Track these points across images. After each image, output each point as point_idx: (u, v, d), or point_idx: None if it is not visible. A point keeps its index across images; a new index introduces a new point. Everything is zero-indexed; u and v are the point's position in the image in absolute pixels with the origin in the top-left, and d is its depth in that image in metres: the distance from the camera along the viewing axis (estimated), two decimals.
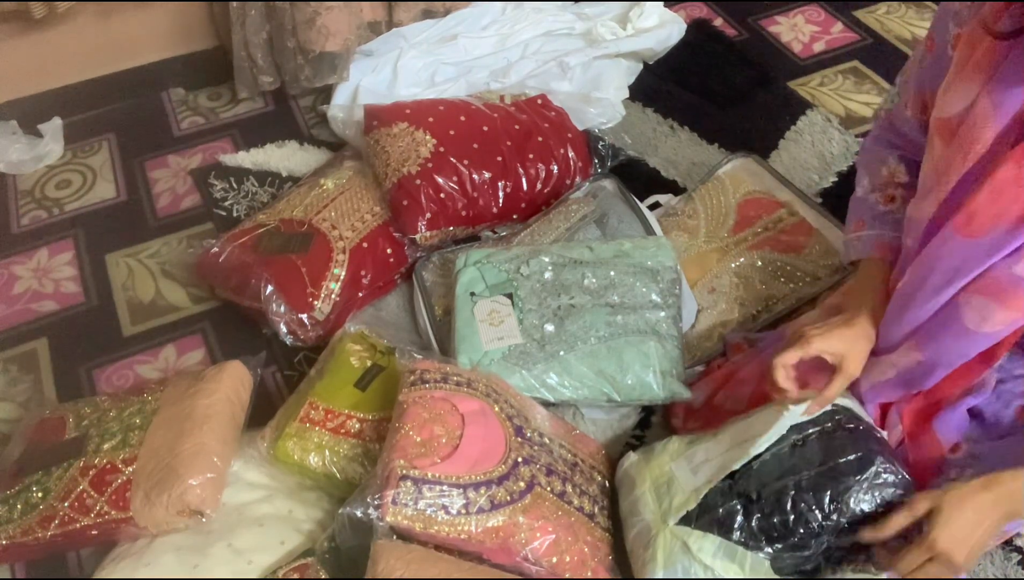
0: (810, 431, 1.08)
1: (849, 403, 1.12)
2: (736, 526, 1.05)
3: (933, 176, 1.01)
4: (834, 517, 1.01)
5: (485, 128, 1.64)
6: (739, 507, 1.05)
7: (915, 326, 1.04)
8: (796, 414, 1.06)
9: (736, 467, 1.07)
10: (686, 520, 1.07)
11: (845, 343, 1.07)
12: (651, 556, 1.07)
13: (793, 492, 1.02)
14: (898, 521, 0.97)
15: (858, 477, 1.01)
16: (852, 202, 1.25)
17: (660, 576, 1.05)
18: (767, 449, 1.07)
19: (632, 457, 1.22)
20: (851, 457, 1.03)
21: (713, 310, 1.45)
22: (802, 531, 1.02)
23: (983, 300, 0.96)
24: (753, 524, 1.04)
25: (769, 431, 1.06)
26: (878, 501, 1.00)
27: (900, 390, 1.10)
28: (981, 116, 0.94)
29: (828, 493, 1.01)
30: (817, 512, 1.01)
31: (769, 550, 1.03)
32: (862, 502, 1.00)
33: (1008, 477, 0.95)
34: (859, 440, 1.05)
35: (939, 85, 1.03)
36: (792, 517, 1.02)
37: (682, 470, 1.13)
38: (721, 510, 1.06)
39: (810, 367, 1.10)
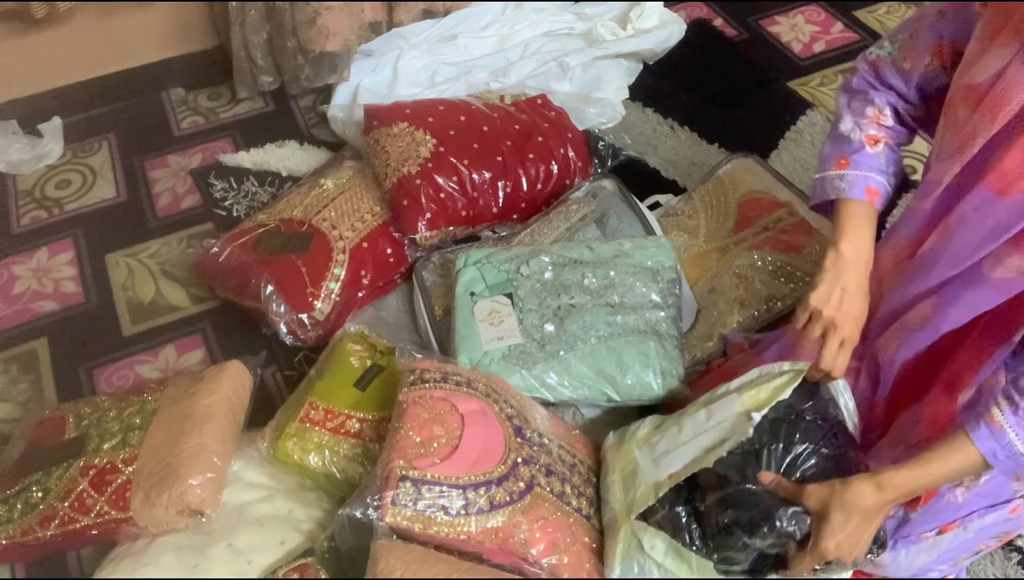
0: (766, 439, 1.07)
1: (835, 391, 1.12)
2: (684, 529, 1.07)
3: (955, 140, 1.00)
4: (762, 541, 1.02)
5: (485, 128, 1.64)
6: (687, 513, 1.08)
7: (939, 283, 1.03)
8: (756, 420, 1.06)
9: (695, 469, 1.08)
10: (649, 511, 1.09)
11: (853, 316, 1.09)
12: (612, 548, 1.10)
13: (728, 512, 1.04)
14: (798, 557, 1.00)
15: (786, 509, 1.01)
16: (830, 139, 1.20)
17: (617, 571, 1.09)
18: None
19: (610, 438, 1.23)
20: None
21: (713, 310, 1.45)
22: (733, 549, 1.04)
23: (1004, 247, 0.96)
24: (695, 534, 1.07)
25: (732, 438, 1.06)
26: (805, 527, 1.01)
27: (910, 350, 1.09)
28: (1013, 80, 0.93)
29: (760, 521, 1.02)
30: (745, 536, 1.02)
31: (714, 556, 1.06)
32: (789, 527, 1.01)
33: (901, 478, 0.97)
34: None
35: (960, 38, 1.03)
36: (727, 537, 1.04)
37: (645, 460, 1.14)
38: (677, 509, 1.08)
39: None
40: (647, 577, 1.07)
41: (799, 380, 1.08)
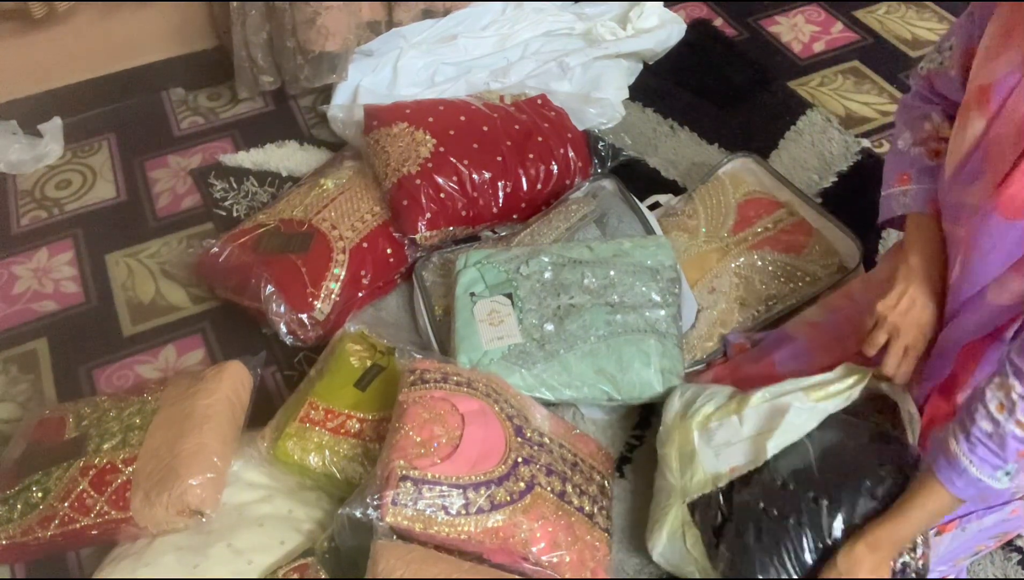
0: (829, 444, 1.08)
1: (899, 399, 1.12)
2: (721, 538, 1.08)
3: (980, 156, 0.98)
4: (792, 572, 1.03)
5: (485, 128, 1.64)
6: (728, 524, 1.08)
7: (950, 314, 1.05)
8: (771, 452, 1.07)
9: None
10: (700, 498, 1.11)
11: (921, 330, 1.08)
12: (660, 525, 1.15)
13: (754, 535, 1.05)
14: None
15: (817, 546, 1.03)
16: (891, 156, 1.20)
17: (660, 546, 1.15)
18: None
19: (675, 404, 1.24)
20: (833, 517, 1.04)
21: (713, 310, 1.45)
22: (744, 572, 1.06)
23: (1008, 273, 0.96)
24: (731, 551, 1.07)
25: (785, 439, 1.08)
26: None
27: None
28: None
29: (789, 552, 1.03)
30: (777, 568, 1.03)
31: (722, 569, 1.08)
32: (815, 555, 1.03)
33: (887, 533, 0.98)
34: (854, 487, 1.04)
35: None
36: (743, 555, 1.05)
37: (704, 448, 1.14)
38: (718, 515, 1.09)
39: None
40: (681, 564, 1.12)
41: (865, 383, 1.09)
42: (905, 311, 1.08)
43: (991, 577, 1.20)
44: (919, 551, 1.01)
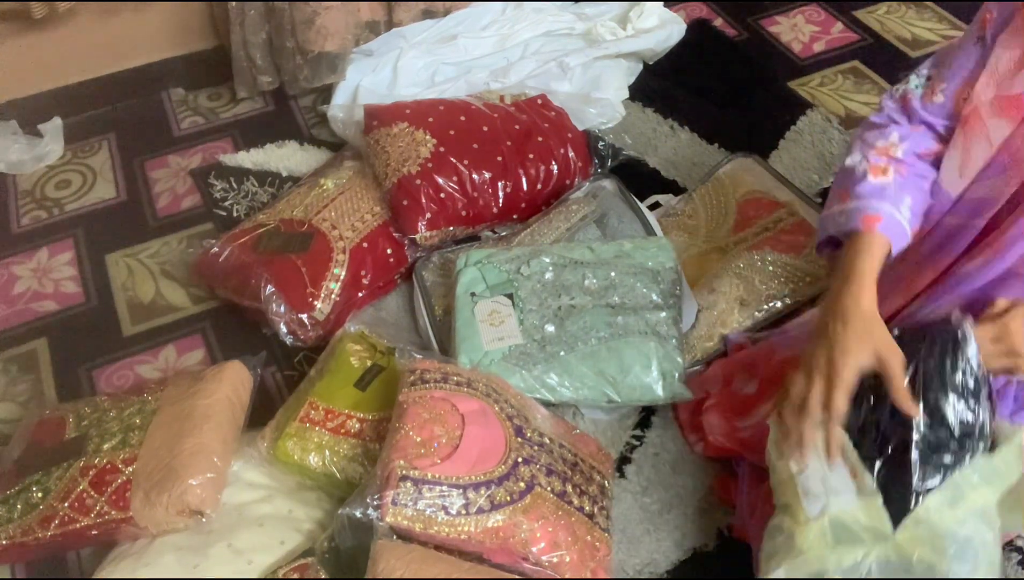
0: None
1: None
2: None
3: (1006, 154, 0.99)
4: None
5: (485, 128, 1.64)
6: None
7: (969, 296, 1.03)
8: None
9: None
10: None
11: (880, 350, 0.96)
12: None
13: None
14: None
15: None
16: (837, 173, 1.13)
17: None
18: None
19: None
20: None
21: (713, 310, 1.45)
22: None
23: None
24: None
25: None
26: None
27: None
28: None
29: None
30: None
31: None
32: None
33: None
34: None
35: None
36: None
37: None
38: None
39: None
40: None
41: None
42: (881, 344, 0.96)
43: (991, 577, 1.20)
44: None
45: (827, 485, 0.98)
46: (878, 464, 0.97)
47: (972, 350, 0.98)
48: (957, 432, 0.96)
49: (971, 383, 0.97)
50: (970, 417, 0.96)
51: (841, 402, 0.95)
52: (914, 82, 1.11)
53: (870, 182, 1.05)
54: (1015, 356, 0.99)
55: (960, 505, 0.94)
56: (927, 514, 0.94)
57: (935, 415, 0.96)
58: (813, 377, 0.97)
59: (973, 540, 0.94)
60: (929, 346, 0.98)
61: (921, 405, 0.95)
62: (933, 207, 1.08)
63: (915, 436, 0.95)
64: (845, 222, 1.05)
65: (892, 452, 0.97)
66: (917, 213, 1.06)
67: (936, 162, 1.08)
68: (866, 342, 0.95)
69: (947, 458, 0.95)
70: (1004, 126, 1.00)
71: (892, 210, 1.03)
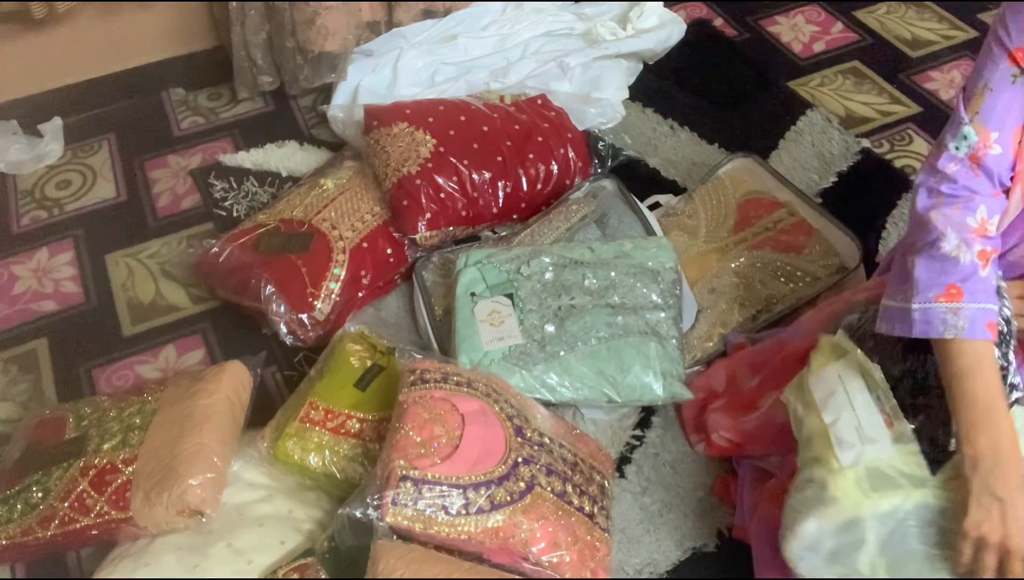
0: None
1: None
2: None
3: None
4: None
5: (485, 128, 1.64)
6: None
7: None
8: None
9: None
10: None
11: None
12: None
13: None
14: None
15: None
16: (929, 257, 0.97)
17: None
18: None
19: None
20: None
21: (713, 310, 1.45)
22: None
23: None
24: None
25: None
26: None
27: None
28: None
29: None
30: None
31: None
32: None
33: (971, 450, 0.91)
34: None
35: None
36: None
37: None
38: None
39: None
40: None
41: None
42: (1001, 519, 0.89)
43: (991, 577, 1.19)
44: None
45: (861, 434, 0.96)
46: (914, 412, 0.96)
47: (1006, 303, 0.96)
48: None
49: (1004, 330, 0.95)
50: (1001, 363, 0.94)
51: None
52: (962, 139, 1.00)
53: (981, 277, 0.95)
54: None
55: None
56: None
57: None
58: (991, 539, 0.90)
59: None
60: None
61: None
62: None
63: None
64: (967, 327, 0.93)
65: (928, 399, 0.96)
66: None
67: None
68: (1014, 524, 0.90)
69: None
70: None
71: (998, 310, 0.95)
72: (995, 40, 0.98)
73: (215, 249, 1.53)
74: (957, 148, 1.00)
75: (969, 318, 0.93)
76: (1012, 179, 0.99)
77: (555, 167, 1.63)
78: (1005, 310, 0.97)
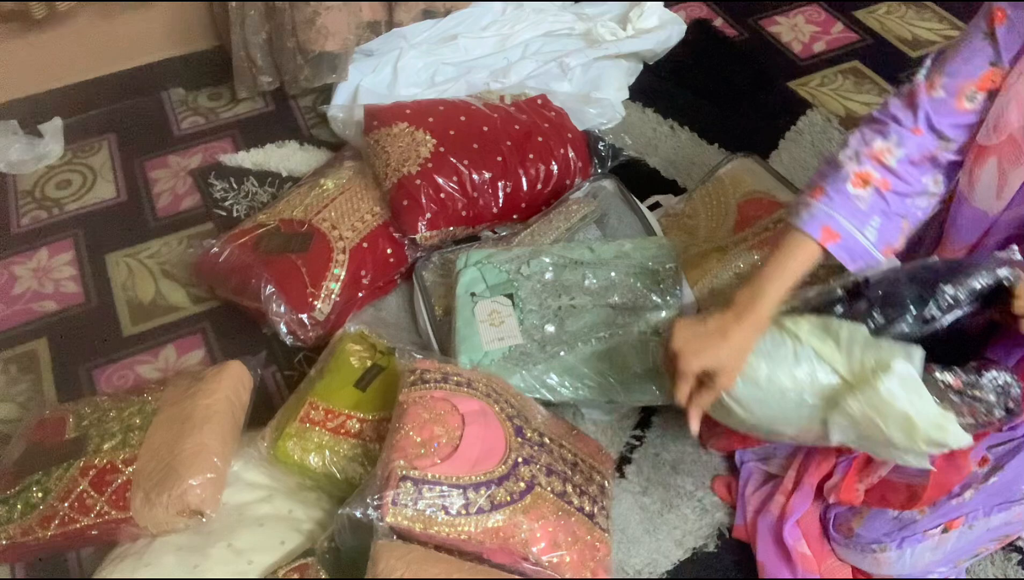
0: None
1: None
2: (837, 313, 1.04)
3: None
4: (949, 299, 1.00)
5: (485, 128, 1.64)
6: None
7: None
8: None
9: None
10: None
11: (722, 355, 1.01)
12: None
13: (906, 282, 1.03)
14: None
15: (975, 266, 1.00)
16: (825, 161, 1.09)
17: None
18: None
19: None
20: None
21: (713, 310, 1.45)
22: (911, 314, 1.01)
23: None
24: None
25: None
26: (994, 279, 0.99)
27: None
28: None
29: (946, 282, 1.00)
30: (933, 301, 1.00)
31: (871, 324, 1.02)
32: (981, 280, 0.99)
33: (746, 295, 1.02)
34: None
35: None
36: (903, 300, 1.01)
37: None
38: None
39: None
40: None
41: None
42: (731, 353, 1.01)
43: (991, 578, 1.20)
44: None
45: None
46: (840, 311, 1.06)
47: (983, 281, 1.00)
48: (911, 317, 1.02)
49: (960, 297, 1.01)
50: (934, 314, 1.01)
51: (683, 391, 1.03)
52: (921, 73, 1.07)
53: (847, 191, 1.04)
54: None
55: (828, 342, 1.02)
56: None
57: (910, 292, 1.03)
58: (685, 354, 1.02)
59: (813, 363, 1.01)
60: (978, 264, 1.01)
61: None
62: (968, 230, 1.08)
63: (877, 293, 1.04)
64: (807, 220, 1.04)
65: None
66: (888, 228, 1.05)
67: (934, 161, 1.06)
68: (724, 346, 1.00)
69: (879, 318, 1.03)
70: None
71: (853, 231, 1.03)
72: (994, 5, 1.01)
73: (215, 249, 1.53)
74: (904, 88, 1.08)
75: (813, 215, 1.03)
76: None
77: (555, 167, 1.63)
78: (978, 284, 1.01)
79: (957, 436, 0.96)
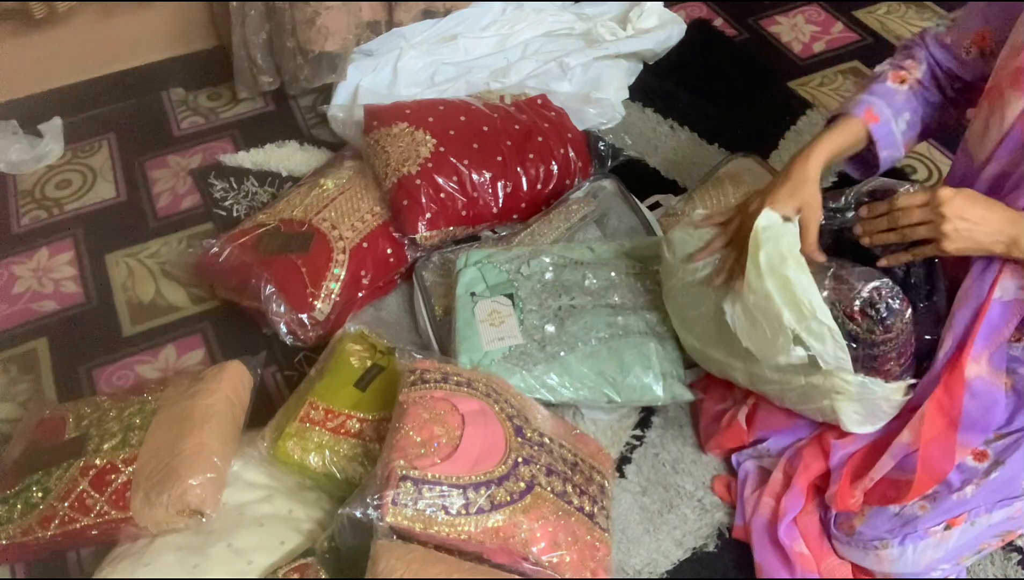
0: None
1: None
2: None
3: (1020, 129, 1.04)
4: None
5: (485, 128, 1.64)
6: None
7: None
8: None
9: None
10: None
11: (803, 206, 1.13)
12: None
13: None
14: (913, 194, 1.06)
15: None
16: (861, 80, 1.33)
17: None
18: None
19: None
20: None
21: None
22: None
23: None
24: None
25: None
26: None
27: None
28: None
29: None
30: None
31: None
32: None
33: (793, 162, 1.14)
34: None
35: (1007, 28, 1.08)
36: None
37: None
38: None
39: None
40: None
41: None
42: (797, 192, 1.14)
43: (991, 577, 1.20)
44: None
45: None
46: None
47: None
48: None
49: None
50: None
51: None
52: (936, 25, 1.24)
53: (887, 85, 1.21)
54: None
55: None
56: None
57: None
58: (744, 210, 1.17)
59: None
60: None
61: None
62: (958, 179, 1.16)
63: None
64: (851, 106, 1.20)
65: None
66: (913, 126, 1.23)
67: (941, 85, 1.24)
68: (794, 197, 1.12)
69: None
70: (1017, 100, 1.03)
71: (891, 117, 1.20)
72: None
73: (215, 249, 1.53)
74: (928, 28, 1.27)
75: (857, 102, 1.20)
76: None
77: (555, 167, 1.63)
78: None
79: (816, 305, 1.03)
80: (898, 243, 1.08)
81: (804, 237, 1.11)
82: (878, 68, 1.25)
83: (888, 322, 1.05)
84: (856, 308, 1.05)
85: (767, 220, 1.10)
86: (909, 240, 1.05)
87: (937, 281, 1.13)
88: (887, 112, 1.20)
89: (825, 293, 1.06)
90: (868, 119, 1.19)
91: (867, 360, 1.08)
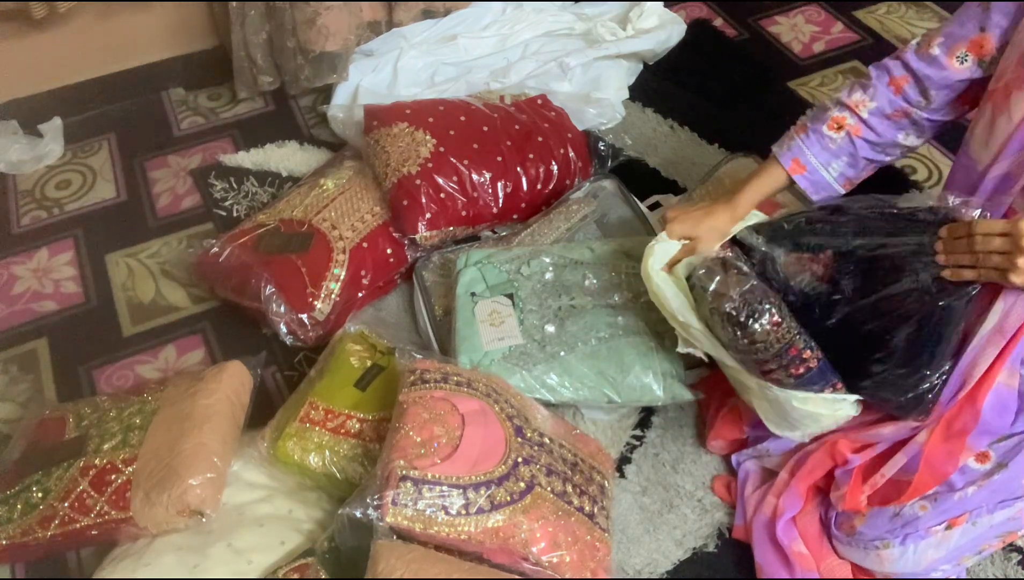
0: None
1: None
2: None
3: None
4: None
5: (485, 128, 1.64)
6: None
7: None
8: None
9: None
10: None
11: (698, 228, 1.22)
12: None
13: None
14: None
15: None
16: (819, 106, 1.30)
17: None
18: None
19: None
20: None
21: None
22: None
23: None
24: None
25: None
26: None
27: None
28: None
29: None
30: None
31: None
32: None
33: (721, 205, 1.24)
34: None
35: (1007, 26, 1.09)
36: None
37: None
38: None
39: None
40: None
41: None
42: (706, 228, 1.22)
43: (991, 577, 1.20)
44: None
45: None
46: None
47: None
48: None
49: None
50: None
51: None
52: (917, 39, 1.20)
53: (821, 131, 1.24)
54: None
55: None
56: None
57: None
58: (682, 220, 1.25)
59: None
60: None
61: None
62: (960, 184, 1.15)
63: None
64: (784, 152, 1.25)
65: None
66: (854, 165, 1.24)
67: (908, 117, 1.20)
68: (694, 229, 1.22)
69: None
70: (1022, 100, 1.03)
71: (824, 164, 1.24)
72: None
73: (215, 249, 1.53)
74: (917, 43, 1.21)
75: (789, 147, 1.25)
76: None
77: (555, 167, 1.63)
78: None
79: (675, 309, 1.16)
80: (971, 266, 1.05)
81: (677, 256, 1.22)
82: (829, 100, 1.25)
83: (748, 330, 1.08)
84: (724, 314, 1.09)
85: (662, 239, 1.24)
86: (983, 266, 1.02)
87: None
88: (817, 160, 1.23)
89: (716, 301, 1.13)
90: (793, 170, 1.24)
91: (754, 365, 1.12)
